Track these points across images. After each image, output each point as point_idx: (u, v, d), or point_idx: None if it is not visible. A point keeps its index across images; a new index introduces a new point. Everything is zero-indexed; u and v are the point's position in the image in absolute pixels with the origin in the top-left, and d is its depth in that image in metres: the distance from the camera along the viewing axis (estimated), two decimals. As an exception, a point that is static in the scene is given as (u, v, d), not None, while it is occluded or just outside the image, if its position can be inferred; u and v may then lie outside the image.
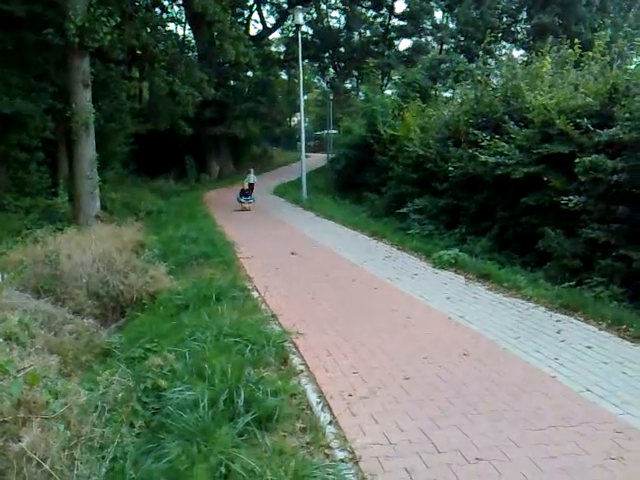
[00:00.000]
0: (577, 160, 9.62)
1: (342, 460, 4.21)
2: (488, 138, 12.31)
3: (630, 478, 3.85)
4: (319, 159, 37.75)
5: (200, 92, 23.10)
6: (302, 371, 5.97)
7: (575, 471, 3.93)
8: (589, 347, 6.42)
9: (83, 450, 4.53)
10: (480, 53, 17.86)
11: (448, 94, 22.97)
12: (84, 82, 16.68)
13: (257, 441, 4.46)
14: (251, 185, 24.47)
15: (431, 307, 8.33)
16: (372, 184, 20.71)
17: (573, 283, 9.03)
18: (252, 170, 25.69)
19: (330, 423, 4.81)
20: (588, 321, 7.39)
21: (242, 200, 22.01)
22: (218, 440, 4.32)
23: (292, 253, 12.65)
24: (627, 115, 9.19)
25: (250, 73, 35.63)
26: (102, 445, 4.65)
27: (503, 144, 11.83)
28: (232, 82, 34.96)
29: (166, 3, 31.36)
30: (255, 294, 9.20)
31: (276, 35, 49.32)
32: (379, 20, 47.66)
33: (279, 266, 11.37)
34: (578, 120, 10.17)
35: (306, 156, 27.30)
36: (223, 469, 4.05)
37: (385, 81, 43.25)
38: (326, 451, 4.37)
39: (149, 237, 13.83)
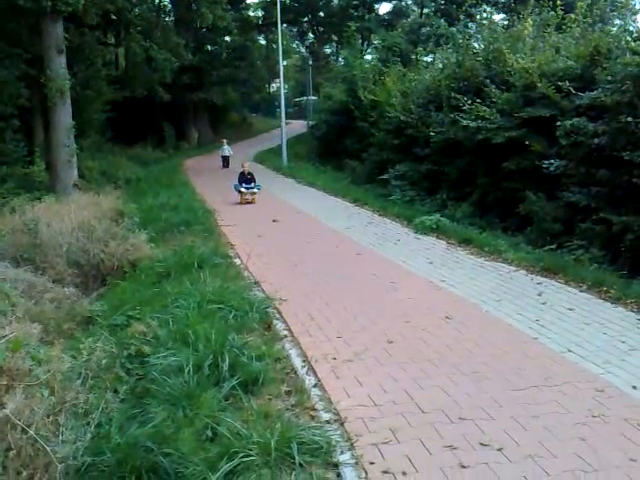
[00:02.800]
0: (558, 123, 9.64)
1: (327, 421, 4.22)
2: (469, 102, 12.25)
3: (611, 434, 3.91)
4: (299, 126, 37.44)
5: (177, 57, 22.63)
6: (286, 336, 5.97)
7: (558, 429, 3.98)
8: (570, 309, 6.49)
9: (68, 416, 4.52)
10: (461, 17, 17.73)
11: (429, 59, 22.78)
12: (58, 48, 16.28)
13: (243, 404, 4.46)
14: (226, 159, 23.41)
15: (413, 272, 8.35)
16: (353, 150, 20.62)
17: (554, 246, 9.12)
18: (225, 141, 24.43)
19: (315, 386, 4.82)
20: (569, 283, 7.46)
21: (242, 189, 15.41)
22: (203, 404, 4.32)
23: (274, 220, 12.58)
24: (609, 78, 9.19)
25: (228, 38, 35.05)
26: (87, 411, 4.64)
27: (484, 108, 11.79)
28: (210, 47, 34.40)
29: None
30: (237, 261, 9.16)
31: (254, -1, 48.41)
32: (359, -17, 46.96)
33: (261, 233, 11.32)
34: (560, 83, 10.16)
35: (287, 123, 27.08)
36: (209, 432, 4.06)
37: (365, 46, 42.76)
38: (311, 413, 4.38)
39: (128, 205, 13.66)
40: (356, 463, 3.69)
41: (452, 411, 4.29)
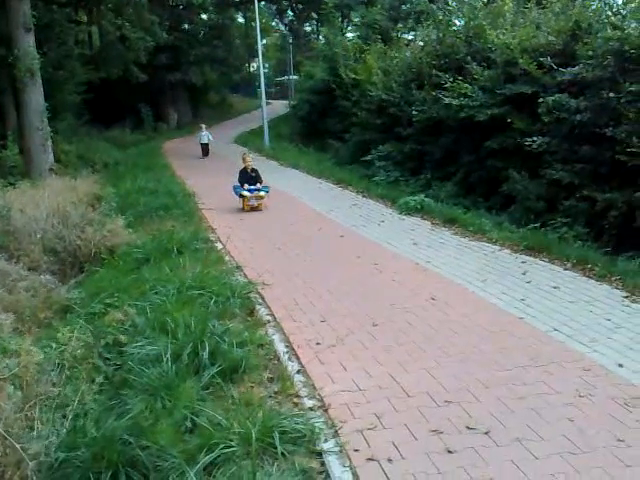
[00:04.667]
0: (540, 100, 9.51)
1: (311, 408, 4.13)
2: (451, 80, 12.08)
3: (598, 414, 3.85)
4: (281, 106, 37.00)
5: (151, 36, 22.07)
6: (269, 321, 5.86)
7: (545, 410, 3.92)
8: (555, 287, 6.44)
9: (43, 410, 4.39)
10: (441, -7, 17.47)
11: (410, 36, 22.56)
12: (25, 26, 15.73)
13: (223, 393, 4.36)
14: (205, 147, 21.56)
15: (398, 253, 8.26)
16: (336, 131, 20.35)
17: (537, 225, 9.04)
18: (204, 126, 22.62)
19: (298, 372, 4.72)
20: (553, 262, 7.41)
21: (246, 193, 11.76)
22: (182, 394, 4.20)
23: (256, 203, 12.36)
24: (590, 53, 9.06)
25: (204, 16, 34.42)
26: (63, 404, 4.51)
27: (466, 85, 11.63)
28: (186, 26, 33.72)
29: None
30: (219, 245, 9.01)
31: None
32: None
33: (243, 217, 11.16)
34: (541, 59, 10.02)
35: (268, 103, 26.69)
36: (189, 423, 3.95)
37: (345, 23, 42.28)
38: (295, 400, 4.29)
39: (106, 190, 13.43)
40: (340, 451, 3.60)
41: (438, 394, 4.21)
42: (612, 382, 4.26)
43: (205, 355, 4.71)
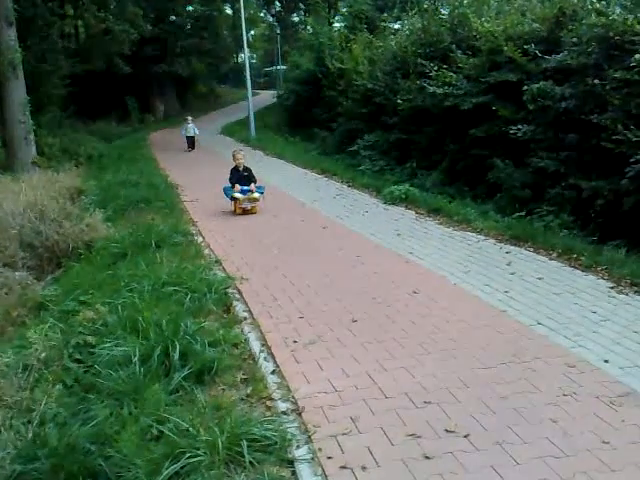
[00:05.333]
0: (525, 88, 9.34)
1: (284, 412, 3.95)
2: (436, 68, 11.92)
3: (583, 414, 3.69)
4: (269, 96, 36.69)
5: (135, 28, 21.76)
6: (245, 319, 5.66)
7: (527, 411, 3.75)
8: (540, 278, 6.28)
9: (8, 415, 4.22)
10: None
11: (397, 25, 22.29)
12: (7, 19, 15.49)
13: (194, 397, 4.17)
14: (191, 140, 20.64)
15: (381, 244, 8.08)
16: (322, 120, 20.20)
17: (523, 213, 8.90)
18: (190, 118, 21.59)
19: (273, 372, 4.54)
20: (538, 251, 7.26)
21: (238, 195, 10.47)
22: (149, 399, 4.01)
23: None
24: (574, 40, 8.90)
25: (190, 7, 34.02)
26: (29, 408, 4.33)
27: (451, 74, 11.49)
28: (172, 17, 33.32)
29: None
30: (199, 239, 8.80)
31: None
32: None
33: (225, 209, 10.93)
34: (526, 46, 9.86)
35: (256, 93, 26.45)
36: (155, 430, 3.76)
37: (332, 13, 41.88)
38: (268, 403, 4.10)
39: (88, 183, 13.17)
40: (312, 458, 3.42)
41: (417, 395, 4.04)
42: (597, 379, 4.10)
43: (176, 356, 4.51)
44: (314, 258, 7.54)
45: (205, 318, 5.56)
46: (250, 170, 10.93)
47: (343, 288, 6.35)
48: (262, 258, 7.66)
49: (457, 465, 3.27)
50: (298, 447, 3.55)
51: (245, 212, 10.43)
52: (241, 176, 10.74)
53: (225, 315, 5.79)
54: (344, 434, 3.63)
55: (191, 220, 10.05)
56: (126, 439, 3.63)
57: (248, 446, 3.45)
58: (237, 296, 6.30)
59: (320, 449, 3.49)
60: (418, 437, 3.55)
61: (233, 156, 11.12)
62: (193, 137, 20.73)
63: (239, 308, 5.95)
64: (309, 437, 3.63)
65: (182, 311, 5.42)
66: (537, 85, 9.02)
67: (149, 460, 3.42)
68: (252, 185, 10.63)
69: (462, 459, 3.32)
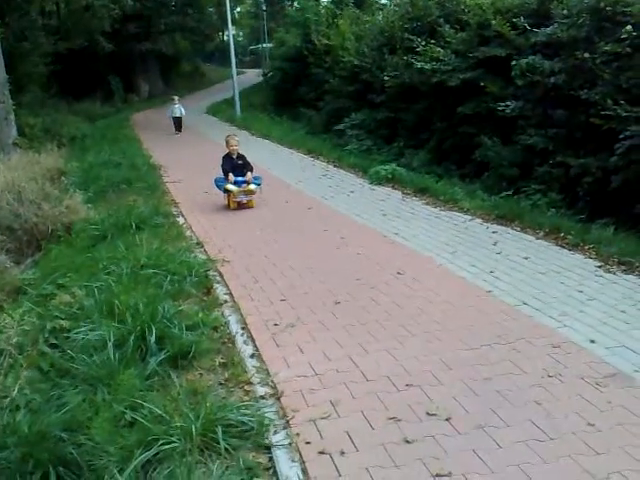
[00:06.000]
0: (514, 62, 9.18)
1: (262, 397, 3.83)
2: (423, 44, 11.72)
3: (568, 396, 3.60)
4: (255, 75, 36.17)
5: (116, 4, 21.27)
6: (226, 301, 5.53)
7: (511, 393, 3.65)
8: (526, 258, 6.18)
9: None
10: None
11: (384, 0, 22.01)
12: (-17, -4, 15.10)
13: (170, 382, 4.05)
14: (178, 121, 19.52)
15: (366, 225, 7.95)
16: (309, 99, 19.94)
17: (510, 192, 8.79)
18: (177, 98, 20.32)
19: (252, 356, 4.42)
20: (525, 231, 7.15)
21: (232, 187, 9.17)
22: (124, 384, 3.89)
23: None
24: (564, 12, 8.72)
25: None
26: (1, 395, 4.21)
27: (439, 49, 11.30)
28: (156, -7, 32.69)
29: None
30: (181, 220, 8.64)
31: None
32: None
33: (209, 190, 10.72)
34: (515, 20, 9.69)
35: (241, 72, 26.10)
36: (129, 417, 3.63)
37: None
38: (246, 387, 3.98)
39: (69, 164, 12.91)
40: (290, 444, 3.31)
41: (398, 377, 3.94)
42: (583, 360, 4.01)
43: (152, 340, 4.38)
44: (298, 239, 7.41)
45: (184, 301, 5.44)
46: (245, 158, 9.59)
47: (327, 270, 6.22)
48: (245, 240, 7.52)
49: (438, 449, 3.18)
50: (275, 432, 3.44)
51: (240, 206, 9.22)
52: (235, 165, 9.35)
53: (205, 298, 5.66)
54: (323, 418, 3.53)
55: (173, 201, 9.87)
56: (98, 426, 3.52)
57: (224, 432, 3.34)
58: (218, 279, 6.17)
59: (298, 434, 3.39)
60: (399, 421, 3.45)
61: (226, 142, 9.68)
62: (180, 118, 19.73)
63: (220, 291, 5.82)
64: (287, 422, 3.53)
65: (160, 294, 5.29)
66: (526, 60, 8.87)
67: (121, 447, 3.31)
68: (248, 175, 9.25)
69: (443, 443, 3.22)
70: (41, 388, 4.23)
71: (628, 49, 7.13)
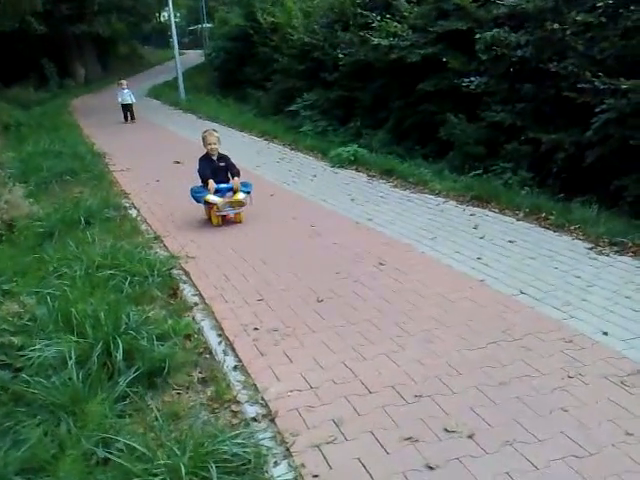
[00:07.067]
0: (478, 36, 8.82)
1: (254, 418, 3.37)
2: (379, 19, 11.26)
3: (596, 400, 3.26)
4: (196, 56, 35.25)
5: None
6: (196, 304, 5.01)
7: (532, 399, 3.30)
8: (511, 241, 5.86)
9: None
10: None
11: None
12: None
13: (144, 404, 3.54)
14: (128, 109, 17.61)
15: (335, 211, 7.51)
16: (256, 80, 19.30)
17: (479, 172, 8.49)
18: (125, 82, 18.18)
19: (235, 368, 3.94)
20: (504, 212, 6.84)
21: (214, 199, 7.08)
22: (92, 412, 3.36)
23: (175, 162, 11.32)
24: (529, -18, 8.38)
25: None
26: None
27: (395, 24, 10.83)
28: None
29: None
30: (134, 212, 8.00)
31: None
32: None
33: (161, 178, 10.09)
34: (475, -9, 9.31)
35: (182, 53, 25.14)
36: (101, 452, 3.12)
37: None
38: (233, 407, 3.51)
39: (5, 154, 12.01)
40: (295, 478, 2.87)
41: (405, 387, 3.53)
42: (600, 356, 3.68)
43: (119, 356, 3.84)
44: (265, 229, 6.92)
45: (149, 306, 4.89)
46: (228, 158, 7.54)
47: (302, 263, 5.76)
48: (207, 232, 6.98)
49: (467, 476, 2.78)
50: (276, 464, 2.99)
51: (226, 220, 7.25)
52: (216, 168, 7.34)
53: (172, 301, 5.12)
54: (329, 443, 3.10)
55: (123, 192, 9.19)
56: (65, 466, 3.00)
57: (217, 467, 2.87)
58: (184, 278, 5.63)
59: (303, 464, 2.94)
60: (415, 441, 3.04)
61: (203, 139, 7.51)
62: (131, 105, 17.79)
63: (187, 292, 5.30)
64: (287, 450, 3.08)
65: (122, 299, 4.74)
66: (490, 33, 8.51)
67: (97, 493, 2.81)
68: (235, 180, 7.26)
69: (471, 467, 2.83)
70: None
71: (602, 18, 6.84)
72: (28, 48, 27.56)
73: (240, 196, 7.15)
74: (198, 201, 7.29)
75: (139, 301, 4.93)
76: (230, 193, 7.18)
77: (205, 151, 7.47)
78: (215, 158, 7.40)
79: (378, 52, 11.27)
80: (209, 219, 7.34)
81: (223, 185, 7.21)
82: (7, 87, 25.13)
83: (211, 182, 7.09)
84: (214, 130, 7.81)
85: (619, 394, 3.30)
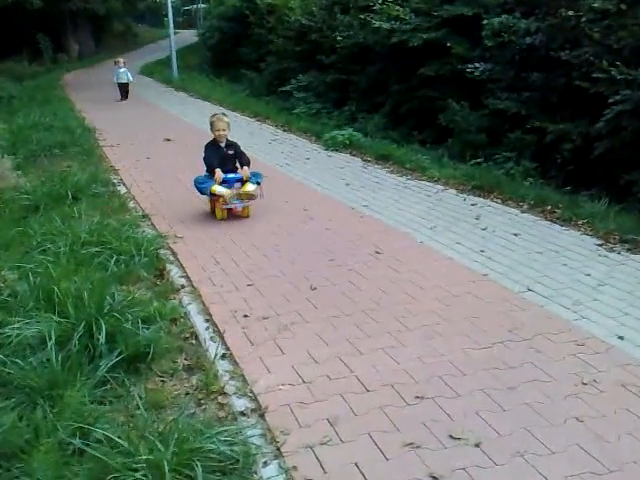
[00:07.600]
0: (485, 22, 8.55)
1: (242, 413, 3.12)
2: (380, 2, 10.95)
3: (613, 410, 3.02)
4: (190, 35, 34.76)
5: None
6: (183, 286, 4.75)
7: (544, 406, 3.06)
8: (516, 234, 5.62)
9: None
10: None
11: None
12: None
13: (125, 391, 3.29)
14: (124, 87, 16.89)
15: (330, 196, 7.24)
16: (250, 60, 18.96)
17: (481, 160, 8.24)
18: (122, 60, 17.33)
19: (223, 357, 3.69)
20: (507, 203, 6.60)
21: (221, 190, 6.28)
22: (70, 397, 3.09)
23: (166, 139, 11.00)
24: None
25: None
26: None
27: (398, 8, 10.54)
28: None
29: None
30: (122, 189, 7.69)
31: None
32: None
33: (151, 155, 9.76)
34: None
35: (176, 32, 24.67)
36: (78, 441, 2.85)
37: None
38: (220, 399, 3.27)
39: (-6, 127, 11.61)
40: (287, 482, 2.63)
41: (405, 386, 3.29)
42: (617, 362, 3.43)
43: (102, 338, 3.57)
44: (257, 212, 6.61)
45: (135, 286, 4.64)
46: (238, 146, 6.81)
47: (295, 248, 5.50)
48: (196, 212, 6.69)
49: (475, 487, 2.55)
50: (266, 464, 2.74)
51: (232, 214, 6.56)
52: (224, 156, 6.61)
53: (158, 282, 4.87)
54: (323, 444, 2.86)
55: (112, 168, 8.87)
56: (39, 455, 2.74)
57: (202, 465, 2.61)
58: (171, 258, 5.37)
59: (295, 467, 2.70)
60: (418, 447, 2.80)
61: (211, 124, 6.73)
62: (127, 84, 16.96)
63: (174, 273, 5.03)
64: (278, 449, 2.83)
65: (107, 278, 4.46)
66: (499, 19, 8.23)
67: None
68: (244, 169, 6.52)
69: (480, 479, 2.60)
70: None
71: (622, 6, 6.55)
72: (24, 22, 27.06)
73: (250, 187, 6.40)
74: (202, 192, 6.50)
75: (124, 281, 4.70)
76: (238, 184, 6.44)
77: (213, 136, 6.71)
78: (223, 145, 6.68)
79: (378, 35, 11.01)
80: (212, 212, 6.59)
81: (231, 175, 6.44)
82: (1, 60, 24.63)
83: (218, 171, 6.33)
84: (223, 114, 7.05)
85: (638, 405, 3.07)
